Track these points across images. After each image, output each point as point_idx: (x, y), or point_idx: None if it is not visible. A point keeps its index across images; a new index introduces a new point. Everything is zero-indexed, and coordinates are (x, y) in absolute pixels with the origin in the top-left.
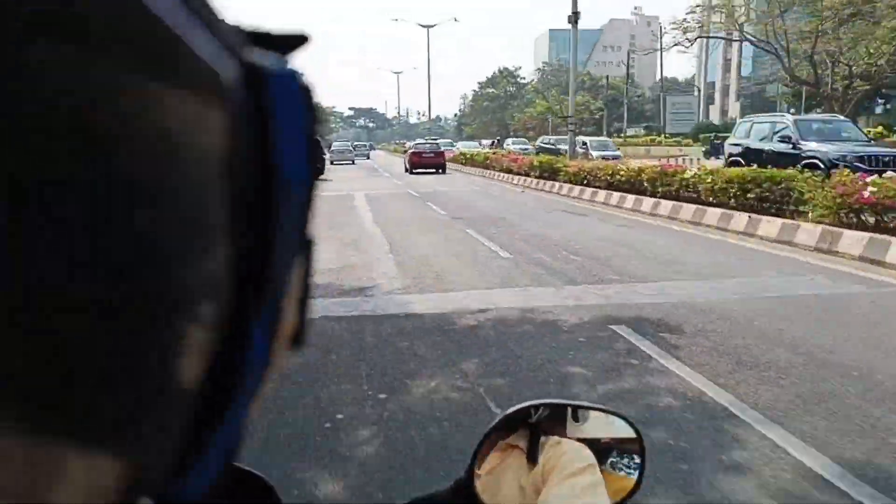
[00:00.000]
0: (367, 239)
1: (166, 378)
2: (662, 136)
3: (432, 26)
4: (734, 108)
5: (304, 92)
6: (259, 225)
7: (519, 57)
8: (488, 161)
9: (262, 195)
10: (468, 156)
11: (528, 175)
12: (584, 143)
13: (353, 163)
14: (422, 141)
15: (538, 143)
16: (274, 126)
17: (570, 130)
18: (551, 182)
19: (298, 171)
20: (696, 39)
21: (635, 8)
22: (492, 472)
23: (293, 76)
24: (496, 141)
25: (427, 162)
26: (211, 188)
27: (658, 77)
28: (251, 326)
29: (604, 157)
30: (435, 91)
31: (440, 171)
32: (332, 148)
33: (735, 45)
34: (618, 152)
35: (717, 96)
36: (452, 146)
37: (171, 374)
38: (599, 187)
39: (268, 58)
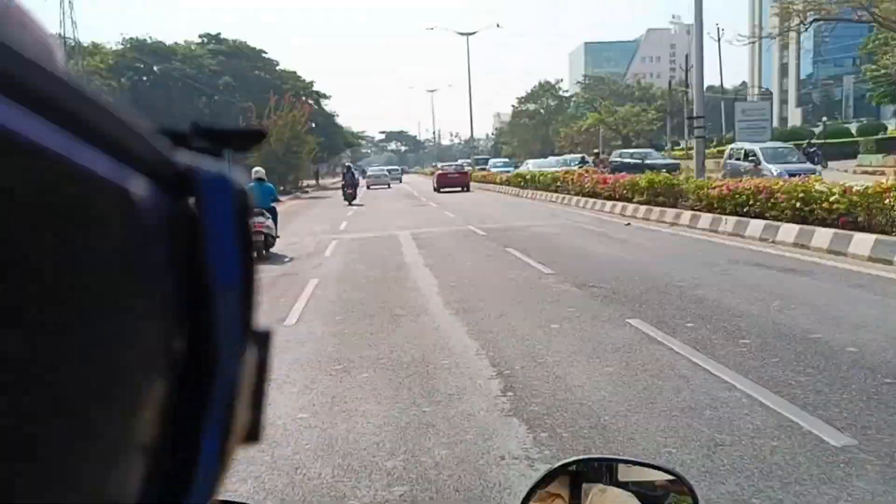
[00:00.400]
0: (451, 360)
1: (105, 488)
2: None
3: (472, 34)
4: (794, 115)
5: (236, 194)
6: (194, 328)
7: (552, 72)
8: (558, 184)
9: (193, 299)
10: (529, 177)
11: (627, 201)
12: (751, 154)
13: (389, 186)
14: (447, 164)
15: (612, 157)
16: (202, 231)
17: (697, 136)
18: (672, 210)
19: (230, 273)
20: (811, 23)
21: (673, 17)
22: None
23: (224, 179)
24: (596, 154)
25: (452, 182)
26: (126, 298)
27: (705, 85)
28: (199, 429)
29: (790, 174)
30: (465, 111)
31: (465, 188)
32: (368, 173)
33: (792, 46)
34: (810, 165)
35: (775, 102)
36: (508, 167)
37: (110, 484)
38: (776, 218)
39: (200, 161)
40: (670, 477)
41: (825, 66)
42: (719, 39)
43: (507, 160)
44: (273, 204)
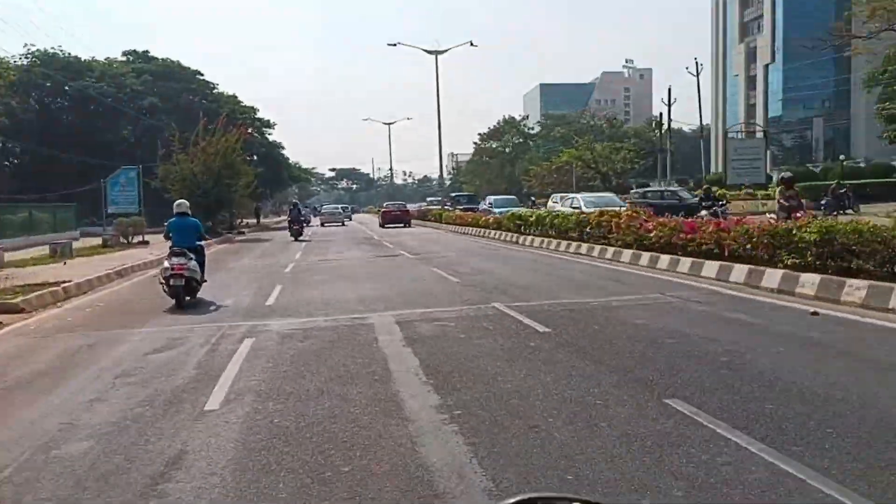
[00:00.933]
0: None
1: None
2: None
3: (443, 52)
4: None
5: None
6: None
7: (508, 112)
8: (588, 229)
9: None
10: (533, 219)
11: (742, 260)
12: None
13: (344, 224)
14: (390, 202)
15: (632, 196)
16: None
17: None
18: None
19: None
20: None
21: (626, 61)
22: None
23: None
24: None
25: (395, 218)
26: None
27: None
28: None
29: None
30: (418, 151)
31: (406, 224)
32: (323, 210)
33: (759, 86)
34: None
35: None
36: (508, 205)
37: None
38: None
39: None
40: None
41: (794, 108)
42: (698, 74)
43: (508, 198)
44: (200, 243)
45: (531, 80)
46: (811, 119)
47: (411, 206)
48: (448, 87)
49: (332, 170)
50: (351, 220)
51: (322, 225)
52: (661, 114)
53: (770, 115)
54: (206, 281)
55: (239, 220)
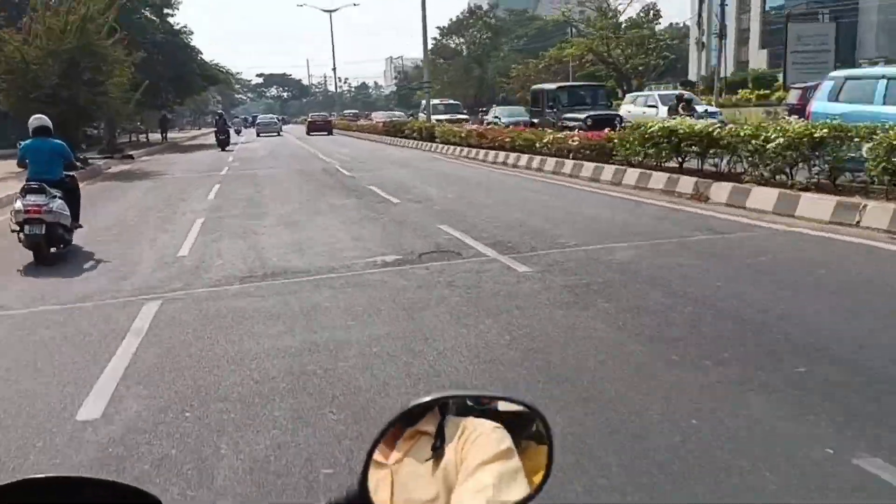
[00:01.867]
0: None
1: None
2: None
3: None
4: (758, 58)
5: None
6: None
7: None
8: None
9: None
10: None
11: None
12: None
13: (279, 134)
14: (314, 113)
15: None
16: None
17: None
18: None
19: None
20: None
21: None
22: (400, 461)
23: None
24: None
25: (319, 127)
26: None
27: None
28: None
29: None
30: (354, 55)
31: (329, 133)
32: (259, 120)
33: None
34: None
35: (730, 42)
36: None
37: None
38: None
39: None
40: (523, 409)
41: None
42: None
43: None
44: (69, 173)
45: None
46: (817, 11)
47: (379, 116)
48: None
49: (260, 75)
50: (280, 134)
51: (258, 135)
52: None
53: (767, 6)
54: (80, 226)
55: (130, 137)
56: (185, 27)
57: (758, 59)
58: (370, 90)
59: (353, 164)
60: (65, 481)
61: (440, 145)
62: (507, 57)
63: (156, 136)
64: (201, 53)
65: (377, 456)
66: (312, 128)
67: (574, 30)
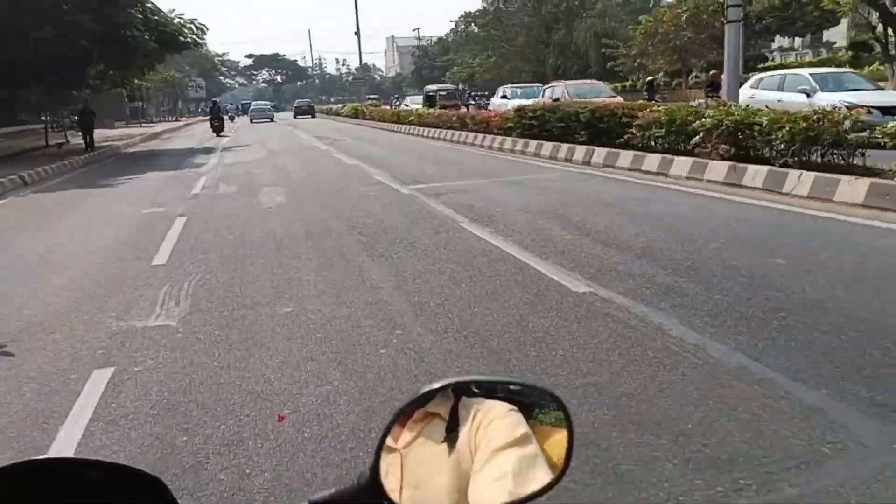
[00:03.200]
0: None
1: None
2: None
3: None
4: None
5: None
6: None
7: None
8: None
9: None
10: None
11: None
12: None
13: (272, 120)
14: (300, 100)
15: None
16: None
17: None
18: None
19: None
20: None
21: None
22: (410, 445)
23: None
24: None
25: (304, 112)
26: None
27: None
28: None
29: None
30: (347, 34)
31: (312, 115)
32: (252, 107)
33: None
34: None
35: None
36: None
37: None
38: None
39: None
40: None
41: None
42: None
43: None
44: None
45: None
46: None
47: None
48: None
49: (250, 56)
50: (273, 120)
51: (252, 122)
52: None
53: None
54: None
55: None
56: None
57: None
58: (372, 72)
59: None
60: (66, 462)
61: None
62: (609, 12)
63: (77, 142)
64: (169, 14)
65: (388, 440)
66: (298, 112)
67: None
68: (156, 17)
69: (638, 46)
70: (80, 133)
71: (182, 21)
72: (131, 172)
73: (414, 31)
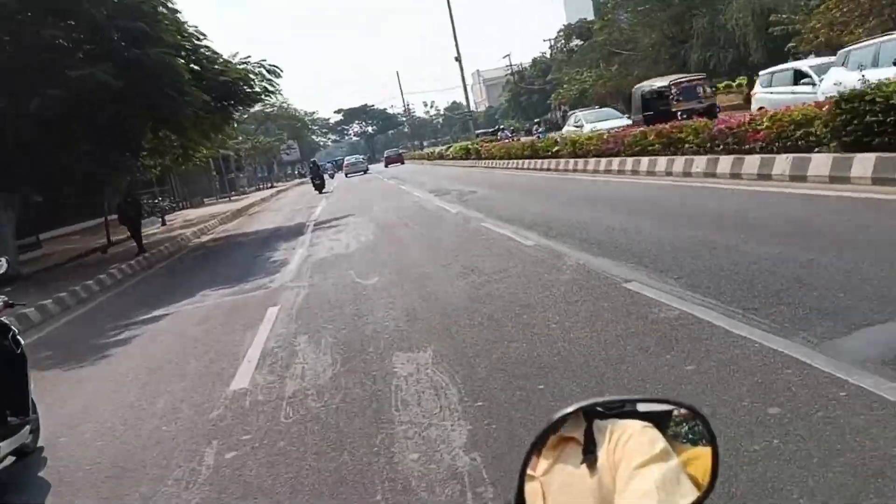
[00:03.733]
0: None
1: None
2: None
3: None
4: None
5: None
6: None
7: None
8: None
9: None
10: None
11: None
12: None
13: (366, 172)
14: (389, 150)
15: None
16: None
17: None
18: None
19: None
20: None
21: None
22: (549, 472)
23: None
24: None
25: (394, 160)
26: None
27: None
28: None
29: None
30: (424, 82)
31: (402, 163)
32: (346, 162)
33: None
34: None
35: None
36: None
37: None
38: None
39: None
40: (683, 410)
41: None
42: None
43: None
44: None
45: None
46: None
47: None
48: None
49: (339, 111)
50: (367, 172)
51: (346, 176)
52: None
53: None
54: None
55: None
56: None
57: None
58: (461, 107)
59: None
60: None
61: None
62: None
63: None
64: (203, 39)
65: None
66: (389, 162)
67: None
68: (215, 66)
69: (822, 17)
70: (121, 219)
71: (248, 66)
72: (173, 295)
73: (504, 57)
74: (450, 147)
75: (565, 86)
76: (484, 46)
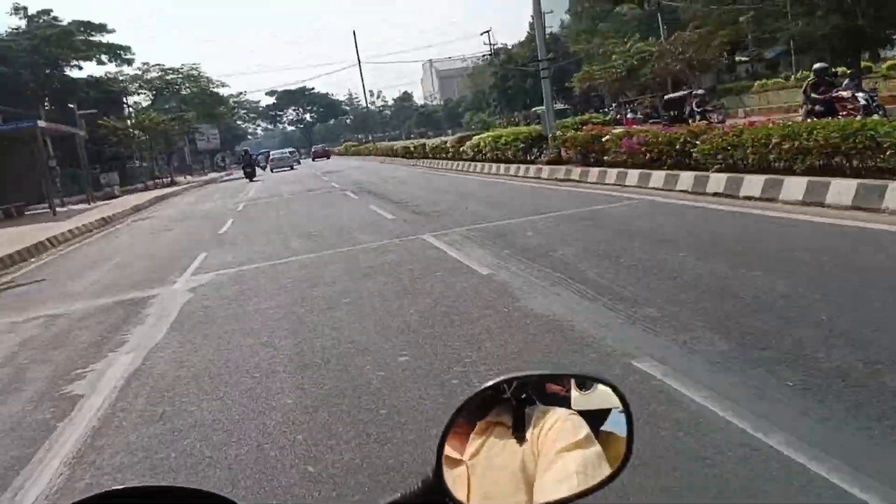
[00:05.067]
0: None
1: None
2: None
3: None
4: None
5: None
6: None
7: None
8: None
9: None
10: None
11: None
12: None
13: (293, 168)
14: (317, 146)
15: None
16: None
17: None
18: None
19: None
20: None
21: None
22: (476, 454)
23: None
24: None
25: (321, 155)
26: None
27: None
28: None
29: None
30: (378, 72)
31: (328, 157)
32: (272, 156)
33: None
34: None
35: None
36: None
37: None
38: None
39: None
40: (603, 386)
41: None
42: None
43: None
44: None
45: None
46: None
47: None
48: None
49: (272, 93)
50: (294, 168)
51: (272, 171)
52: None
53: None
54: None
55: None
56: None
57: None
58: (414, 101)
59: None
60: (143, 491)
61: None
62: None
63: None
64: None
65: (451, 451)
66: (315, 156)
67: None
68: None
69: None
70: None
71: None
72: None
73: (483, 34)
74: (420, 145)
75: (595, 64)
76: (439, 35)
